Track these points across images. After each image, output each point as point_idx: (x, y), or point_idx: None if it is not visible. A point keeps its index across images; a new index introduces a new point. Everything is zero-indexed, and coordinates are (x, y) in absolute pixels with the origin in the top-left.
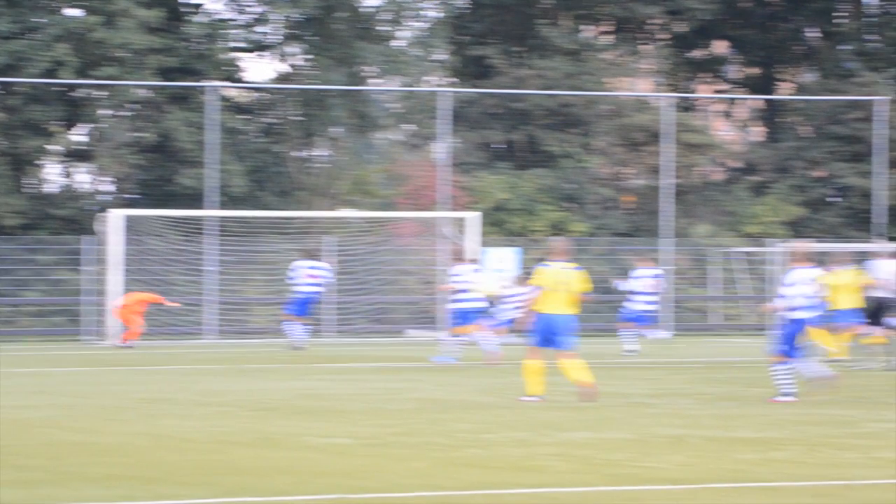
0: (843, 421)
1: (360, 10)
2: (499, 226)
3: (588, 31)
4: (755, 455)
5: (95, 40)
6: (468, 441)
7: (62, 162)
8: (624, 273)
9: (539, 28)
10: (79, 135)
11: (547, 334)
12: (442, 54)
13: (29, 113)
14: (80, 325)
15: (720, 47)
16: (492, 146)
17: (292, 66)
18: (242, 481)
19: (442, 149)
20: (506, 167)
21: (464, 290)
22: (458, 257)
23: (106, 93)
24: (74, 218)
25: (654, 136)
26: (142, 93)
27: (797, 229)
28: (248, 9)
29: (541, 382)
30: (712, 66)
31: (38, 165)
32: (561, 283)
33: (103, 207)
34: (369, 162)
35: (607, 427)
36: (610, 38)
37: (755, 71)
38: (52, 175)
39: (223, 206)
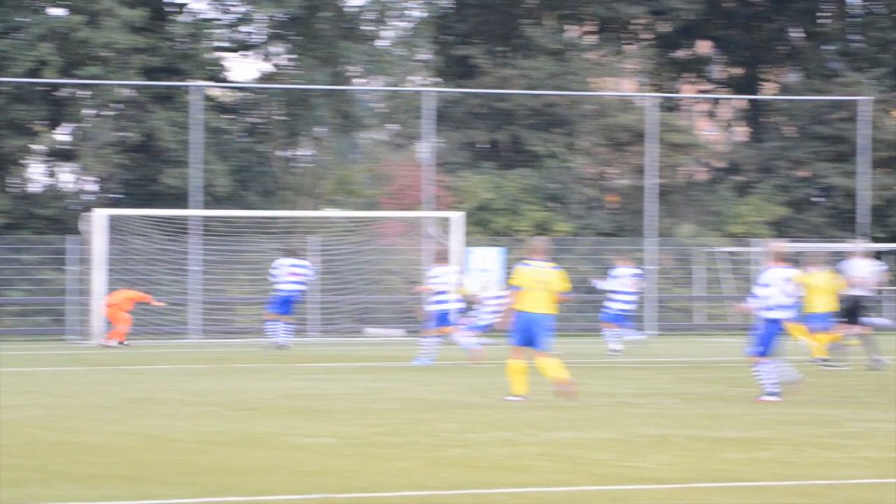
0: (827, 420)
1: (345, 9)
2: (483, 226)
3: (572, 31)
4: (740, 455)
5: (79, 40)
6: (453, 441)
7: (46, 161)
8: (607, 273)
9: (523, 28)
10: (63, 134)
11: (526, 333)
12: (426, 54)
13: (13, 112)
14: (64, 325)
15: (704, 47)
16: (476, 146)
17: (276, 65)
18: (227, 481)
19: (426, 149)
20: (490, 167)
21: (442, 292)
22: (439, 258)
23: (90, 92)
24: (58, 217)
25: (638, 136)
26: (126, 92)
27: (781, 229)
28: (232, 8)
29: (524, 382)
30: (696, 66)
31: (21, 165)
32: (540, 283)
33: (87, 207)
34: (353, 162)
35: (592, 427)
36: (594, 38)
37: (739, 71)
38: (36, 175)
39: (207, 205)
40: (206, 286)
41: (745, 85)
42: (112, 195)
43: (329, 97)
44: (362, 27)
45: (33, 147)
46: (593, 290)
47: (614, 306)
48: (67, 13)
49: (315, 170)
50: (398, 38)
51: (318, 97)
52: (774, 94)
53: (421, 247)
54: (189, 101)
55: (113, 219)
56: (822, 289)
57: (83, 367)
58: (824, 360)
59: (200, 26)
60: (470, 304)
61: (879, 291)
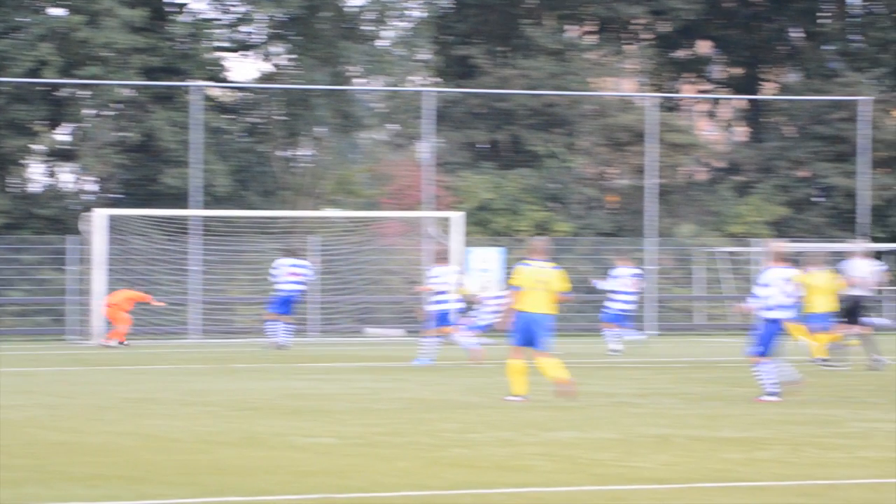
0: (827, 420)
1: (345, 9)
2: (483, 226)
3: (572, 31)
4: (740, 455)
5: (79, 40)
6: (453, 441)
7: (46, 161)
8: (607, 273)
9: (523, 28)
10: (63, 134)
11: (526, 333)
12: (426, 54)
13: (13, 112)
14: (64, 325)
15: (704, 47)
16: (476, 146)
17: (276, 65)
18: (227, 481)
19: (426, 149)
20: (490, 167)
21: (442, 292)
22: (439, 258)
23: (90, 92)
24: (58, 217)
25: (638, 136)
26: (126, 92)
27: (781, 229)
28: (232, 8)
29: (524, 382)
30: (696, 66)
31: (22, 165)
32: (540, 282)
33: (87, 207)
34: (353, 162)
35: (592, 426)
36: (594, 38)
37: (739, 71)
38: (36, 175)
39: (207, 205)
40: (206, 286)
41: (745, 85)
42: (112, 195)
43: (329, 97)
44: (362, 27)
45: (33, 147)
46: (593, 290)
47: (614, 306)
48: (67, 13)
49: (315, 170)
50: (398, 38)
51: (318, 97)
52: (774, 94)
53: (421, 247)
54: (189, 101)
55: (113, 219)
56: (822, 289)
57: (83, 367)
58: (824, 361)
59: (200, 26)
60: (470, 304)
61: (879, 291)
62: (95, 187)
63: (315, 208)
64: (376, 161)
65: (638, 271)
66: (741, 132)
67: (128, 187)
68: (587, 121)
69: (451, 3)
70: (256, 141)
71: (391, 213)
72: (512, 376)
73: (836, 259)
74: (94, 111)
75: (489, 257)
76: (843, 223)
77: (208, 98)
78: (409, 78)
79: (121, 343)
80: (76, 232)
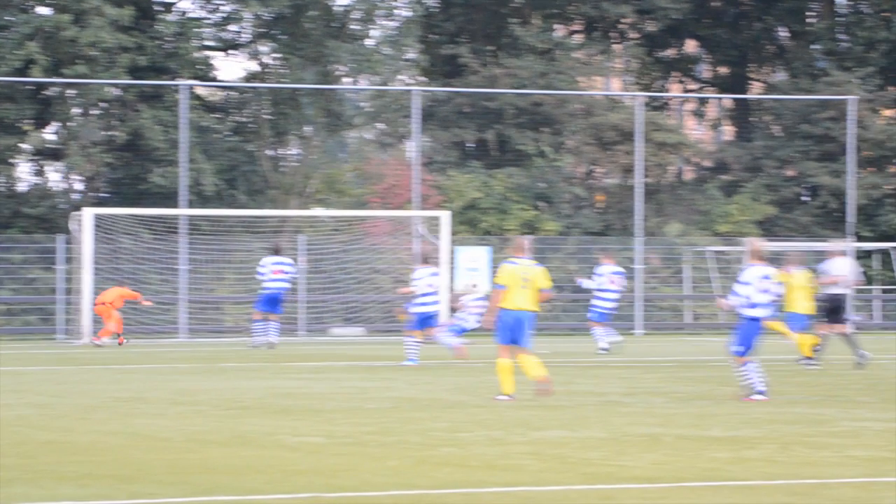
0: (816, 419)
1: (332, 8)
2: (471, 225)
3: (559, 31)
4: (729, 454)
5: (67, 39)
6: (443, 440)
7: (34, 161)
8: (592, 272)
9: (510, 27)
10: (51, 133)
11: (512, 331)
12: (413, 53)
13: (0, 112)
14: (53, 324)
15: (692, 46)
16: (466, 145)
17: (264, 64)
18: (217, 480)
19: (414, 148)
20: (478, 166)
21: (426, 294)
22: (423, 259)
23: (77, 91)
24: (47, 217)
25: (625, 136)
26: (113, 91)
27: (769, 228)
28: (219, 7)
29: (513, 381)
30: (683, 66)
31: (10, 164)
32: (525, 280)
33: (75, 206)
34: (341, 161)
35: (581, 426)
36: (581, 38)
37: (727, 70)
38: (25, 174)
39: (195, 204)
40: (195, 285)
41: (732, 84)
42: (100, 194)
43: (317, 96)
44: (350, 26)
45: (22, 146)
46: (579, 290)
47: (600, 304)
48: (53, 12)
49: (303, 169)
50: (385, 37)
51: (306, 96)
52: (762, 94)
53: (409, 246)
54: (178, 100)
55: (101, 218)
56: (802, 288)
57: (72, 366)
58: (808, 360)
59: (187, 25)
60: (454, 308)
61: (866, 290)
62: (84, 186)
63: (303, 207)
64: (364, 160)
65: (619, 269)
66: (728, 131)
67: (116, 186)
68: (575, 120)
69: (437, 3)
70: (244, 140)
71: (379, 213)
72: (502, 375)
73: (820, 259)
74: (81, 110)
75: (477, 256)
76: (831, 222)
77: (196, 97)
78: (397, 77)
79: (119, 344)
80: (65, 231)
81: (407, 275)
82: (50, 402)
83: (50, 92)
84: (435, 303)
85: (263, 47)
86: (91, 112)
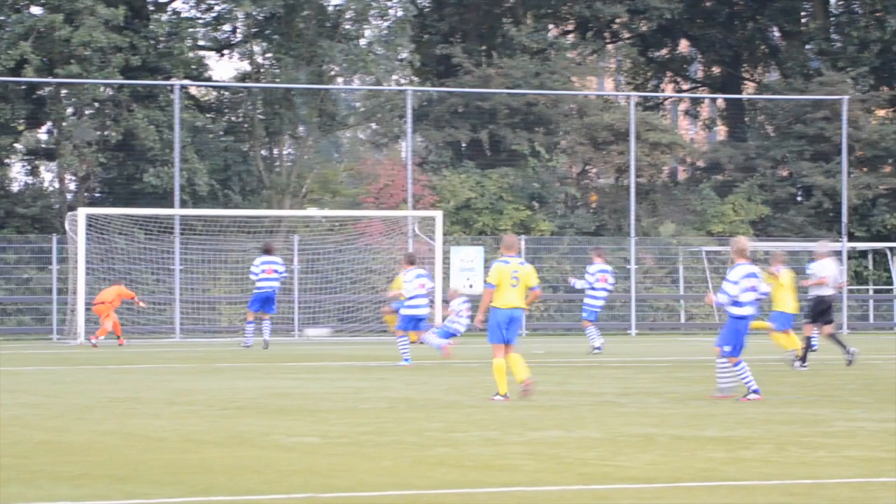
0: (812, 419)
1: (327, 8)
2: (465, 225)
3: (552, 31)
4: (725, 454)
5: (60, 38)
6: (438, 440)
7: (28, 160)
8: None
9: (503, 27)
10: (44, 133)
11: (503, 329)
12: (406, 53)
13: None
14: (48, 324)
15: (685, 47)
16: (462, 145)
17: (257, 64)
18: (212, 480)
19: (408, 147)
20: (471, 166)
21: (415, 296)
22: (409, 260)
23: (67, 90)
24: (41, 217)
25: (619, 136)
26: (107, 91)
27: (763, 228)
28: (212, 7)
29: (507, 381)
30: (677, 66)
31: (4, 164)
32: (516, 279)
33: (70, 206)
34: (335, 161)
35: (577, 426)
36: (574, 38)
37: (720, 70)
38: (18, 174)
39: (190, 204)
40: (189, 285)
41: (725, 84)
42: (94, 194)
43: (310, 96)
44: (343, 26)
45: (15, 146)
46: (573, 290)
47: (592, 303)
48: (45, 12)
49: (297, 169)
50: (378, 36)
51: (300, 96)
52: (755, 94)
53: (404, 246)
54: (171, 99)
55: (95, 218)
56: (788, 287)
57: (67, 366)
58: (801, 360)
59: (180, 25)
60: (444, 316)
61: (861, 290)
62: (78, 186)
63: (297, 207)
64: (358, 160)
65: (607, 268)
66: (722, 131)
67: (109, 186)
68: (568, 120)
69: (430, 2)
70: (238, 140)
71: (373, 213)
72: (497, 376)
73: (812, 259)
74: (76, 110)
75: (471, 256)
76: (825, 222)
77: (189, 97)
78: (391, 77)
79: (119, 345)
80: (59, 231)
81: (394, 276)
82: (45, 402)
83: (43, 92)
84: (424, 305)
85: (256, 47)
86: (84, 112)
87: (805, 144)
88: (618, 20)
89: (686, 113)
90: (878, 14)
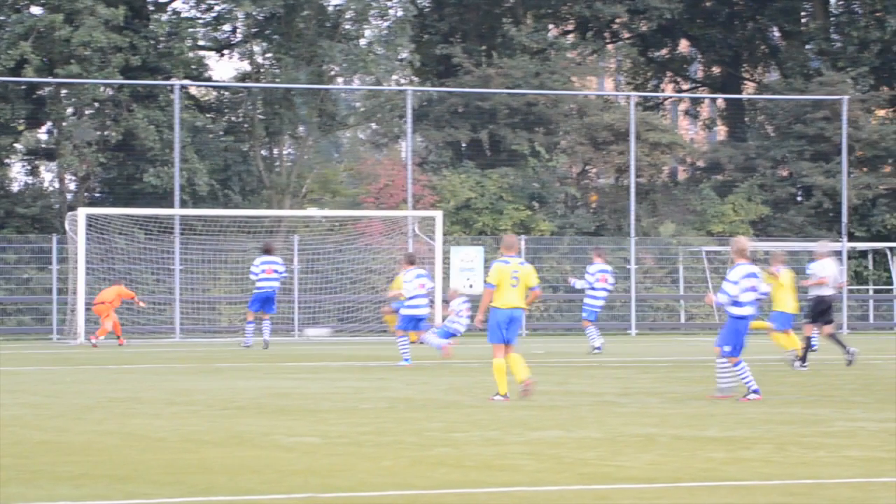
0: (812, 419)
1: (327, 8)
2: (465, 225)
3: (552, 31)
4: (725, 454)
5: (60, 38)
6: (439, 440)
7: (28, 160)
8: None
9: (503, 27)
10: (44, 133)
11: (503, 329)
12: (406, 53)
13: None
14: (48, 324)
15: (685, 47)
16: (462, 145)
17: (257, 64)
18: (213, 480)
19: (408, 147)
20: (471, 166)
21: (414, 296)
22: (409, 260)
23: (67, 90)
24: (41, 216)
25: (619, 135)
26: (107, 91)
27: (763, 228)
28: (212, 7)
29: (507, 381)
30: (677, 66)
31: (4, 164)
32: (516, 279)
33: (70, 206)
34: (335, 161)
35: (577, 426)
36: (574, 38)
37: (720, 70)
38: (18, 174)
39: (190, 204)
40: (189, 285)
41: (725, 84)
42: (94, 194)
43: (310, 96)
44: (343, 26)
45: (15, 146)
46: (573, 290)
47: (592, 303)
48: (45, 12)
49: (297, 169)
50: (378, 36)
51: (299, 96)
52: (755, 94)
53: (404, 246)
54: (171, 99)
55: (95, 218)
56: (788, 287)
57: (67, 366)
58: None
59: (180, 25)
60: (444, 316)
61: (861, 290)
62: (77, 186)
63: (297, 207)
64: (358, 160)
65: (607, 268)
66: (722, 131)
67: (109, 186)
68: (568, 120)
69: (430, 2)
70: (238, 140)
71: (373, 213)
72: (497, 376)
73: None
74: (76, 110)
75: (471, 256)
76: (825, 222)
77: (189, 97)
78: (391, 77)
79: (120, 345)
80: (59, 231)
81: (394, 276)
82: (45, 403)
83: (43, 92)
84: (424, 305)
85: (256, 47)
86: (84, 112)
87: (805, 144)
88: (618, 20)
89: (686, 113)
90: (878, 14)
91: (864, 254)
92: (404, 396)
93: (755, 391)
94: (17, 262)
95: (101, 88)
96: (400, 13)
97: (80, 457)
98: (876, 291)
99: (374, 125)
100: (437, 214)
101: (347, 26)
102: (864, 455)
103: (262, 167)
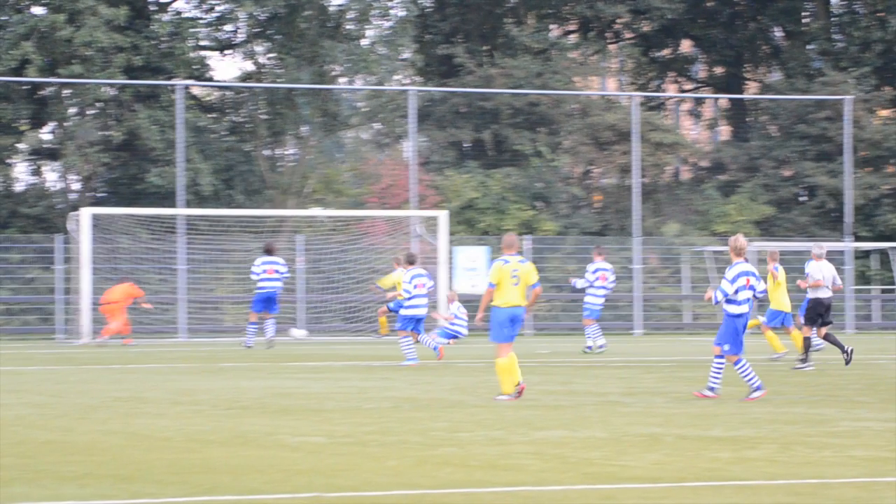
0: (817, 419)
1: (329, 8)
2: (469, 225)
3: (554, 31)
4: (730, 454)
5: (63, 38)
6: (443, 439)
7: (31, 160)
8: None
9: (506, 27)
10: (47, 133)
11: (505, 328)
12: (409, 53)
13: None
14: (52, 324)
15: (687, 46)
16: (464, 145)
17: (260, 64)
18: (217, 480)
19: (411, 147)
20: (475, 166)
21: (414, 296)
22: (408, 261)
23: (70, 90)
24: (44, 216)
25: (622, 135)
26: (109, 91)
27: (767, 228)
28: (214, 7)
29: (512, 381)
30: (679, 66)
31: (7, 164)
32: (517, 277)
33: (73, 206)
34: (338, 161)
35: (582, 426)
36: (576, 38)
37: (722, 70)
38: (22, 174)
39: (193, 204)
40: (193, 285)
41: (728, 84)
42: (98, 194)
43: (313, 96)
44: (345, 26)
45: (19, 146)
46: (576, 290)
47: (593, 301)
48: (48, 12)
49: (300, 169)
50: (380, 37)
51: (302, 96)
52: (758, 94)
53: (407, 246)
54: (173, 100)
55: (99, 218)
56: (783, 285)
57: (71, 365)
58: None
59: (182, 25)
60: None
61: (864, 290)
62: (81, 186)
63: (300, 207)
64: (361, 160)
65: (607, 266)
66: (725, 131)
67: (113, 186)
68: (571, 120)
69: (432, 2)
70: (241, 140)
71: (377, 213)
72: (501, 375)
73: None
74: (79, 110)
75: (475, 256)
76: (829, 222)
77: (192, 97)
78: (393, 77)
79: (125, 344)
80: (63, 231)
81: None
82: (49, 402)
83: (46, 92)
84: (424, 305)
85: (259, 47)
86: (87, 112)
87: (808, 144)
88: (620, 20)
89: (689, 113)
90: (879, 14)
91: (867, 254)
92: (409, 396)
93: (758, 388)
94: (21, 262)
95: (104, 88)
96: (402, 13)
97: (84, 456)
98: (881, 291)
99: (376, 125)
100: (442, 214)
101: (349, 26)
102: (868, 455)
103: (265, 167)
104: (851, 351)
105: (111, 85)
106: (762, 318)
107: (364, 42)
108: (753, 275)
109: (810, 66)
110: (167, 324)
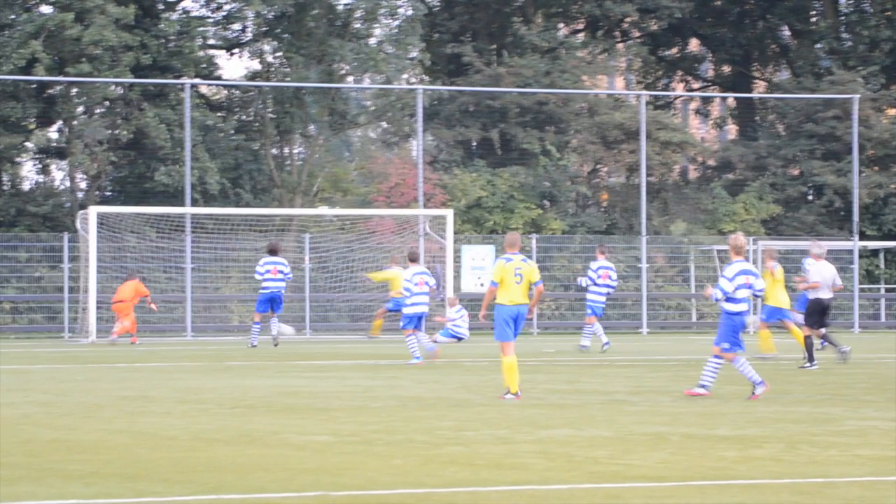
0: (823, 418)
1: (337, 7)
2: (476, 223)
3: (562, 29)
4: (736, 452)
5: (71, 37)
6: (449, 438)
7: (39, 159)
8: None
9: (514, 26)
10: (55, 132)
11: (509, 326)
12: (416, 52)
13: (4, 110)
14: (60, 323)
15: (695, 45)
16: (472, 143)
17: (267, 63)
18: (223, 478)
19: (418, 146)
20: (482, 165)
21: (416, 294)
22: (410, 259)
23: (77, 89)
24: (52, 215)
25: (629, 134)
26: (117, 90)
27: (774, 227)
28: (221, 6)
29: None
30: (687, 65)
31: (15, 163)
32: (520, 276)
33: (81, 205)
34: (346, 159)
35: (587, 424)
36: (584, 37)
37: (730, 69)
38: (29, 172)
39: (201, 203)
40: (200, 283)
41: (736, 83)
42: (105, 193)
43: (320, 95)
44: (353, 25)
45: (27, 145)
46: (582, 289)
47: (595, 299)
48: (56, 11)
49: (307, 167)
50: (388, 35)
51: (310, 95)
52: (766, 93)
53: (415, 244)
54: (181, 98)
55: (107, 216)
56: (781, 282)
57: (78, 364)
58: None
59: (190, 24)
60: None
61: (874, 289)
62: (88, 185)
63: (308, 206)
64: (369, 159)
65: (608, 265)
66: (733, 130)
67: (120, 185)
68: (579, 119)
69: (440, 1)
70: (248, 139)
71: (384, 211)
72: (507, 374)
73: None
74: (85, 109)
75: (482, 255)
76: (837, 221)
77: (199, 96)
78: (401, 76)
79: (132, 343)
80: (70, 230)
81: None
82: (55, 401)
83: (54, 91)
84: (426, 303)
85: (267, 46)
86: (95, 111)
87: (816, 143)
88: (628, 19)
89: (697, 112)
90: (888, 13)
91: (875, 252)
92: (415, 395)
93: (760, 383)
94: (28, 260)
95: (112, 87)
96: (410, 12)
97: (89, 455)
98: (887, 290)
99: (384, 124)
100: (449, 213)
101: (357, 25)
102: (874, 454)
103: (272, 166)
104: (847, 351)
105: (119, 84)
106: (761, 316)
107: (372, 41)
108: (752, 273)
109: (818, 64)
110: (174, 322)
